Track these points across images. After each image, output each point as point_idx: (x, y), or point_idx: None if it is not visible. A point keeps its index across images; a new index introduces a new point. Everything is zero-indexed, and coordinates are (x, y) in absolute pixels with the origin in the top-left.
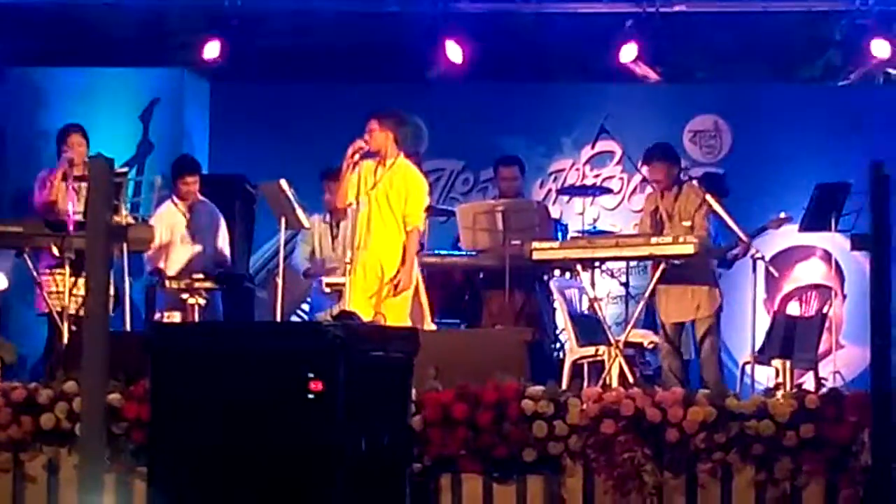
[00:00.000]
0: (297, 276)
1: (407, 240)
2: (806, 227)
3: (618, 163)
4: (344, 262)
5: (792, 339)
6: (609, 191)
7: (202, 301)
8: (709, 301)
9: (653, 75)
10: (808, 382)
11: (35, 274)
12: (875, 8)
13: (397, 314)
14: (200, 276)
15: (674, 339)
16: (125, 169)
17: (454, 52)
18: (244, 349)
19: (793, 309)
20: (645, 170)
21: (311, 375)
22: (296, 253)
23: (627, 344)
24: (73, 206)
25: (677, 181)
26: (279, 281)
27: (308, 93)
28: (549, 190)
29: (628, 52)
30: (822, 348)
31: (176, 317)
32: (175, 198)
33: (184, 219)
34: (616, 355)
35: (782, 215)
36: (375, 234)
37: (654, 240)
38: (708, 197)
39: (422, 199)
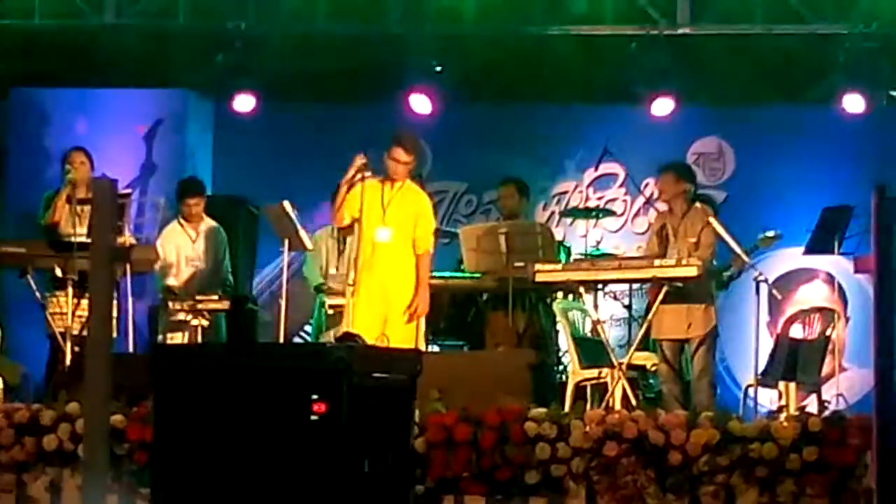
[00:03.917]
0: (300, 297)
1: (420, 263)
2: (810, 250)
3: (621, 185)
4: (347, 283)
5: (795, 362)
6: (612, 213)
7: (205, 322)
8: (702, 321)
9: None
10: (812, 405)
11: (38, 295)
12: (879, 31)
13: (408, 338)
14: (203, 297)
15: (672, 360)
16: (128, 190)
17: (420, 104)
18: (247, 371)
19: (796, 331)
20: (653, 183)
21: (314, 397)
22: (305, 266)
23: (630, 366)
24: (76, 228)
25: (684, 199)
26: (282, 302)
27: (311, 114)
28: (553, 212)
29: (663, 106)
30: (825, 371)
31: (179, 338)
32: (181, 219)
33: (189, 240)
34: (619, 377)
35: (770, 234)
36: (383, 256)
37: (657, 262)
38: (712, 219)
39: (431, 223)
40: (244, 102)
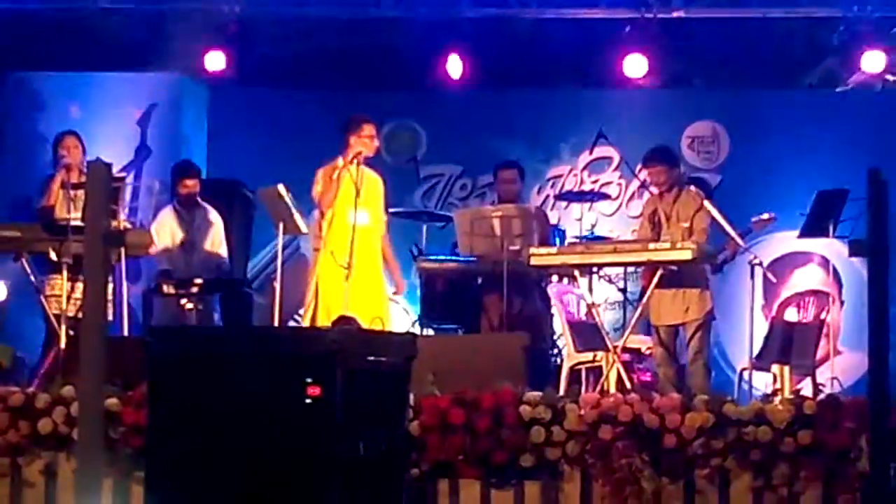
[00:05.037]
0: (295, 281)
1: (387, 243)
2: (804, 233)
3: (616, 168)
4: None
5: (790, 345)
6: (607, 196)
7: (200, 306)
8: (699, 305)
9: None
10: (806, 388)
11: (33, 279)
12: (873, 14)
13: (384, 309)
14: (198, 280)
15: (667, 343)
16: (123, 174)
17: (454, 66)
18: (242, 354)
19: (791, 315)
20: (644, 173)
21: (308, 380)
22: (303, 248)
23: (625, 349)
24: (70, 212)
25: (677, 183)
26: (277, 286)
27: (306, 98)
28: (548, 195)
29: (635, 65)
30: (819, 354)
31: (174, 322)
32: (175, 202)
33: (184, 224)
34: (614, 361)
35: (765, 216)
36: (366, 237)
37: (651, 245)
38: (706, 202)
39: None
40: (214, 60)
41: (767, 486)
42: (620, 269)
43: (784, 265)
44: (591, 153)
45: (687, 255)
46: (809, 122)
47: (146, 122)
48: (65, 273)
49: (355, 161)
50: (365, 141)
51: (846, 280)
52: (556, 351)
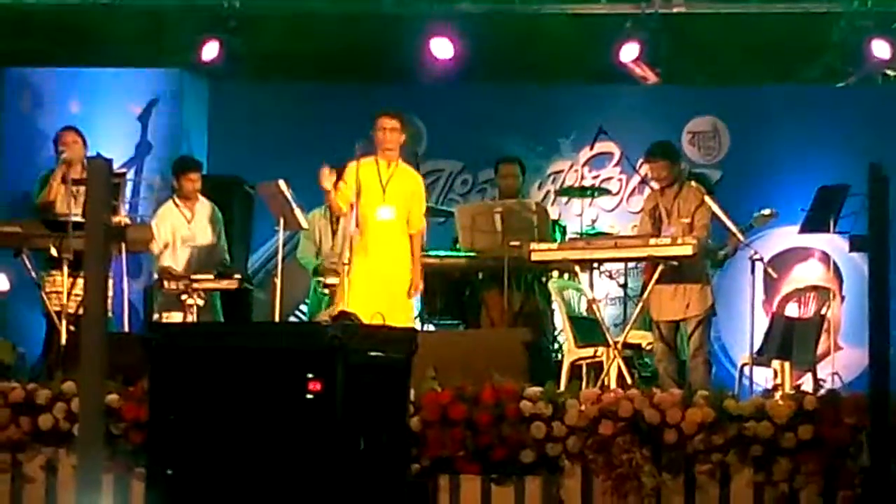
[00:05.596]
0: (295, 277)
1: (415, 243)
2: (805, 228)
3: (616, 164)
4: (342, 262)
5: (790, 341)
6: (608, 192)
7: (200, 302)
8: (699, 300)
9: (652, 76)
10: (807, 384)
11: (33, 274)
12: (873, 9)
13: (407, 316)
14: (199, 276)
15: (669, 339)
16: (123, 170)
17: (441, 48)
18: (243, 350)
19: (791, 310)
20: (646, 167)
21: (309, 376)
22: (300, 249)
23: (626, 345)
24: (71, 208)
25: (678, 179)
26: (277, 282)
27: (306, 93)
28: (548, 191)
29: (629, 52)
30: (820, 350)
31: (174, 317)
32: (176, 198)
33: (184, 219)
34: (614, 356)
35: (766, 212)
36: (382, 234)
37: (652, 241)
38: (706, 198)
39: (424, 202)
40: (209, 50)
41: (768, 482)
42: (621, 265)
43: (785, 260)
44: (591, 149)
45: (688, 250)
46: (810, 118)
47: (147, 117)
48: (65, 269)
49: (359, 159)
50: (378, 135)
51: (847, 275)
52: (556, 346)
